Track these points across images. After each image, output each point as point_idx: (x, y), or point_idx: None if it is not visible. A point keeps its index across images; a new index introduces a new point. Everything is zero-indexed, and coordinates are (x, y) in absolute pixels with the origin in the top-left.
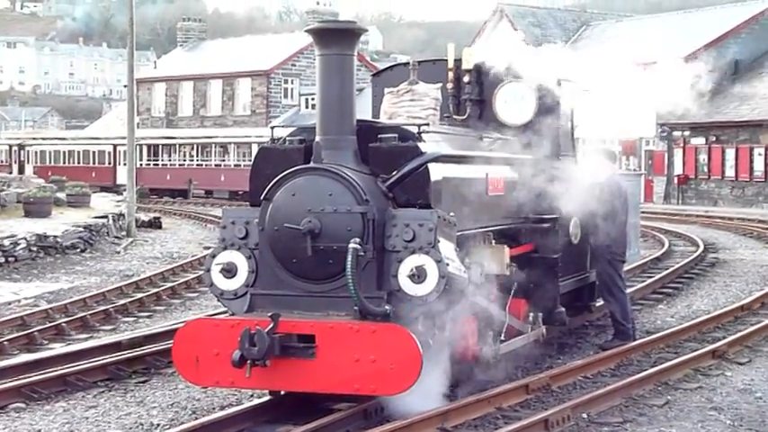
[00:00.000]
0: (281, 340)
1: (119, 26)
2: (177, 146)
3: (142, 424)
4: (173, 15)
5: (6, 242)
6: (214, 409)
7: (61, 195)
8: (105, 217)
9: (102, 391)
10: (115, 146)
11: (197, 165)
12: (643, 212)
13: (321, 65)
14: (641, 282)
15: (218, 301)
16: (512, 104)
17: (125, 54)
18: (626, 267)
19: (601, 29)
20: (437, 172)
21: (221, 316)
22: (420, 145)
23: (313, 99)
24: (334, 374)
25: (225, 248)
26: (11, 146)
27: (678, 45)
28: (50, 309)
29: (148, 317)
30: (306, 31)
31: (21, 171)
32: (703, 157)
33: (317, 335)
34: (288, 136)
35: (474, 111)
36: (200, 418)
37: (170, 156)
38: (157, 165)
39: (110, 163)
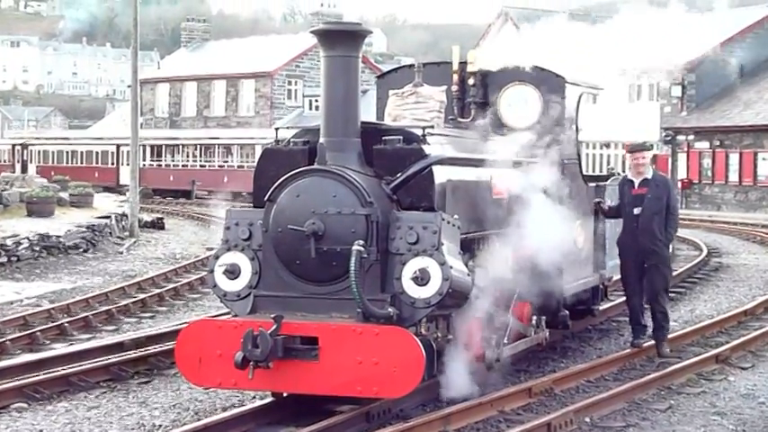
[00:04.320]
0: (283, 342)
1: (122, 26)
2: (180, 146)
3: (144, 425)
4: (177, 16)
5: (9, 242)
6: (216, 410)
7: (64, 195)
8: (108, 217)
9: (105, 392)
10: (118, 146)
11: (200, 166)
12: None
13: (326, 66)
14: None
15: (222, 302)
16: (516, 107)
17: (129, 54)
18: None
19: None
20: (441, 174)
21: (224, 317)
22: (424, 147)
23: (317, 101)
24: (337, 376)
25: (228, 249)
26: (14, 145)
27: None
28: (53, 309)
29: (151, 317)
30: (311, 32)
31: (24, 170)
32: (707, 162)
33: (320, 337)
34: (292, 137)
35: (478, 113)
36: (203, 420)
37: (173, 156)
38: (160, 165)
39: (113, 163)
